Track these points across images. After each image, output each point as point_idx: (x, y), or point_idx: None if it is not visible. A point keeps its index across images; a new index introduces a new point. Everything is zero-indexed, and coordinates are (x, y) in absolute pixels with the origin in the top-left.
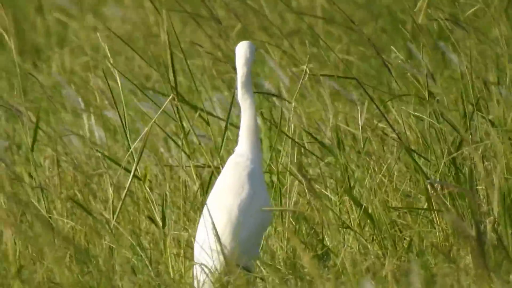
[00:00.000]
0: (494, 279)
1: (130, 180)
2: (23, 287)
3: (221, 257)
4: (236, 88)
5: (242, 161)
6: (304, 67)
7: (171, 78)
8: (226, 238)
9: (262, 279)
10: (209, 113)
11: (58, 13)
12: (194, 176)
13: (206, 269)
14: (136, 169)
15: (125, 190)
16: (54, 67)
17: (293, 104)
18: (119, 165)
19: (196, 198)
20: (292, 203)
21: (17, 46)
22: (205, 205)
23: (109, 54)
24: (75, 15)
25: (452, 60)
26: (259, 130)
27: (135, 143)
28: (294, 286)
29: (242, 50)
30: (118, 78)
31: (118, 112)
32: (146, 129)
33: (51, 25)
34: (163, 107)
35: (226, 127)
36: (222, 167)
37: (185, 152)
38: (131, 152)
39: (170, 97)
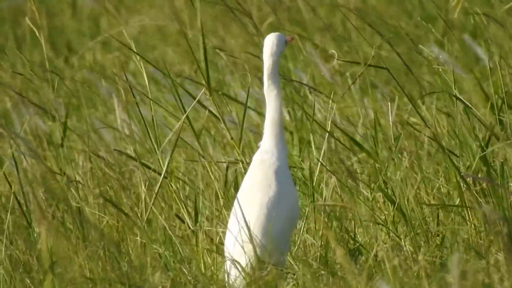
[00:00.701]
0: None
1: (161, 178)
2: (56, 282)
3: (252, 253)
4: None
5: (267, 158)
6: (335, 60)
7: (203, 70)
8: (256, 236)
9: (294, 274)
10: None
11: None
12: (219, 171)
13: (238, 265)
14: (167, 167)
15: (157, 188)
16: (86, 63)
17: (330, 100)
18: (149, 167)
19: (227, 194)
20: (325, 199)
21: (49, 42)
22: (235, 203)
23: (134, 49)
24: (107, 11)
25: (479, 54)
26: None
27: (166, 141)
28: (326, 281)
29: (269, 41)
30: (145, 75)
31: (151, 107)
32: (178, 124)
33: (83, 20)
34: (197, 99)
35: (244, 118)
36: (249, 163)
37: (201, 150)
38: (158, 150)
39: (203, 90)
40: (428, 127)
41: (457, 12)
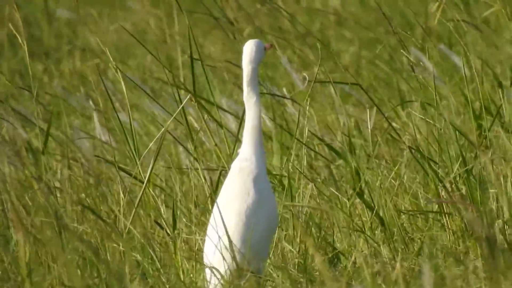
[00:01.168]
0: (503, 282)
1: (144, 186)
2: None
3: (231, 261)
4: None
5: (246, 165)
6: (315, 69)
7: (177, 78)
8: (235, 244)
9: (273, 281)
10: (222, 109)
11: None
12: (203, 179)
13: (216, 273)
14: (149, 176)
15: (138, 198)
16: (65, 71)
17: (307, 107)
18: (129, 174)
19: (206, 201)
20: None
21: (28, 49)
22: (213, 211)
23: (110, 58)
24: (86, 18)
25: (456, 62)
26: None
27: (147, 149)
28: None
29: (248, 48)
30: (122, 81)
31: (129, 116)
32: (159, 133)
33: (61, 28)
34: (181, 107)
35: (239, 130)
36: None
37: (193, 157)
38: (138, 159)
39: (188, 96)
40: (398, 135)
41: (437, 19)
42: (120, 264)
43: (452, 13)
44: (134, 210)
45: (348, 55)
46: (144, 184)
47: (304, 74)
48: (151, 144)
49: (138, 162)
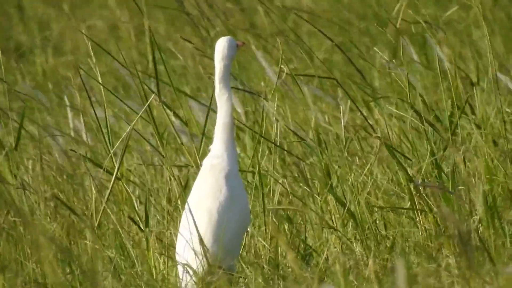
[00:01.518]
0: (476, 279)
1: (113, 180)
2: (7, 287)
3: (203, 259)
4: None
5: (218, 163)
6: (284, 67)
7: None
8: (207, 241)
9: (245, 278)
10: (194, 98)
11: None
12: (171, 176)
13: (189, 270)
14: (117, 170)
15: (108, 190)
16: (37, 67)
17: (275, 103)
18: (100, 166)
19: (178, 198)
20: (275, 204)
21: (0, 45)
22: (186, 208)
23: (92, 53)
24: (59, 15)
25: (438, 58)
26: (234, 127)
27: (118, 143)
28: (277, 285)
29: (220, 45)
30: (99, 77)
31: (105, 112)
32: (129, 129)
33: (33, 24)
34: (145, 106)
35: (205, 125)
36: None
37: (160, 153)
38: (113, 151)
39: (152, 96)
40: (371, 132)
41: (399, 22)
42: (92, 261)
43: (425, 10)
44: (103, 205)
45: (321, 53)
46: (113, 177)
47: (282, 66)
48: (121, 139)
49: (111, 153)
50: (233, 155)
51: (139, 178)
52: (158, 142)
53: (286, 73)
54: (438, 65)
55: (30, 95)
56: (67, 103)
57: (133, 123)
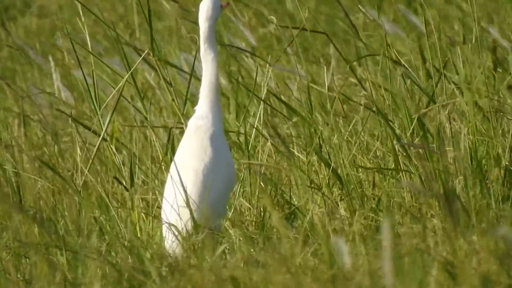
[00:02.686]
0: (460, 239)
1: (99, 141)
2: None
3: (189, 218)
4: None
5: (203, 123)
6: (271, 27)
7: (145, 32)
8: (193, 202)
9: (229, 238)
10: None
11: None
12: (154, 136)
13: (174, 229)
14: (105, 130)
15: (94, 150)
16: (20, 28)
17: (268, 65)
18: (87, 127)
19: (162, 158)
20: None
21: None
22: (171, 169)
23: (81, 12)
24: None
25: (415, 22)
26: (220, 88)
27: (104, 104)
28: (261, 245)
29: (204, 5)
30: (88, 36)
31: (92, 72)
32: (118, 87)
33: None
34: (138, 62)
35: (189, 84)
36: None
37: (143, 115)
38: (99, 111)
39: (146, 51)
40: (363, 87)
41: None
42: (77, 221)
43: None
44: (89, 164)
45: (306, 12)
46: (100, 137)
47: (271, 16)
48: (108, 99)
49: (98, 114)
50: (218, 115)
51: (123, 139)
52: (141, 103)
53: (282, 27)
54: (423, 25)
55: (20, 49)
56: (52, 63)
57: (123, 81)
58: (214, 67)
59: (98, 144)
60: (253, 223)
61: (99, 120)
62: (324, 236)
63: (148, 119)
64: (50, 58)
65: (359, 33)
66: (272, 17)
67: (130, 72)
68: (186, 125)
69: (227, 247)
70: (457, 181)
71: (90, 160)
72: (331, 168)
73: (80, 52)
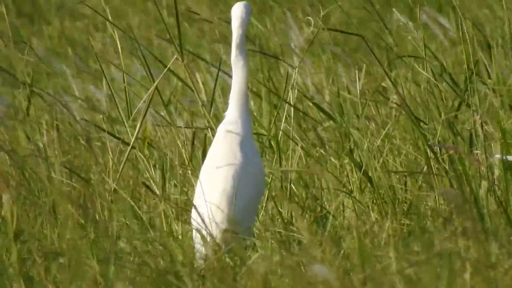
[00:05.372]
0: (492, 243)
1: (131, 144)
2: (22, 250)
3: (220, 225)
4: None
5: (233, 129)
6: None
7: (174, 36)
8: (223, 208)
9: (260, 243)
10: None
11: None
12: (184, 137)
13: (203, 235)
14: (137, 132)
15: (127, 154)
16: (53, 31)
17: (296, 67)
18: (115, 136)
19: (193, 161)
20: (294, 167)
21: (16, 11)
22: (201, 175)
23: (109, 16)
24: None
25: (444, 25)
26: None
27: (138, 106)
28: (292, 250)
29: (238, 11)
30: (117, 39)
31: (123, 74)
32: (149, 91)
33: None
34: (169, 65)
35: (215, 86)
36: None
37: (167, 116)
38: (133, 116)
39: (175, 57)
40: (388, 96)
41: None
42: (108, 225)
43: None
44: (120, 170)
45: (337, 15)
46: (131, 143)
47: (308, 17)
48: (143, 100)
49: (130, 118)
50: (247, 121)
51: (156, 141)
52: (164, 108)
53: (320, 27)
54: (459, 28)
55: (42, 60)
56: (68, 71)
57: (155, 83)
58: (244, 73)
59: (130, 148)
60: (285, 227)
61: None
62: (356, 239)
63: (175, 121)
64: (78, 60)
65: (392, 34)
66: (309, 18)
67: (158, 79)
68: (216, 131)
69: (258, 250)
70: (487, 184)
71: (122, 165)
72: (362, 171)
73: (112, 56)
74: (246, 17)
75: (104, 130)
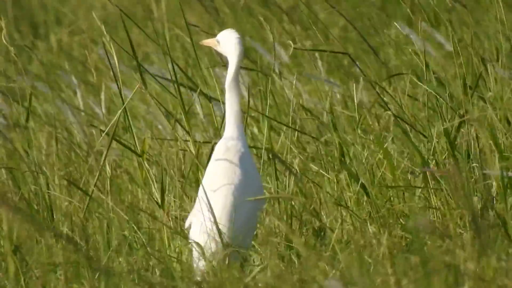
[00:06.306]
0: (490, 256)
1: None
2: (20, 265)
3: (219, 240)
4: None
5: (233, 145)
6: (297, 42)
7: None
8: (223, 224)
9: (259, 256)
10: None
11: None
12: (192, 151)
13: (201, 250)
14: (135, 145)
15: (124, 165)
16: (52, 44)
17: (294, 80)
18: (121, 142)
19: (192, 174)
20: (290, 182)
21: (14, 24)
22: (199, 191)
23: (104, 31)
24: None
25: (439, 40)
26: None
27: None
28: (291, 264)
29: (236, 39)
30: (114, 54)
31: (118, 87)
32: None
33: (48, 2)
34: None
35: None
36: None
37: (185, 129)
38: (130, 129)
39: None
40: (388, 108)
41: None
42: (106, 239)
43: None
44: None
45: (337, 29)
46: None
47: (289, 41)
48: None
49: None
50: (244, 138)
51: (154, 156)
52: (185, 118)
53: (299, 49)
54: (452, 43)
55: (32, 86)
56: (75, 82)
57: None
58: (237, 99)
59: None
60: (285, 240)
61: (131, 134)
62: (353, 253)
63: (184, 134)
64: (73, 78)
65: (378, 55)
66: (290, 41)
67: (168, 84)
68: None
69: (256, 265)
70: (487, 198)
71: (118, 177)
72: (359, 184)
73: (110, 69)
74: (241, 47)
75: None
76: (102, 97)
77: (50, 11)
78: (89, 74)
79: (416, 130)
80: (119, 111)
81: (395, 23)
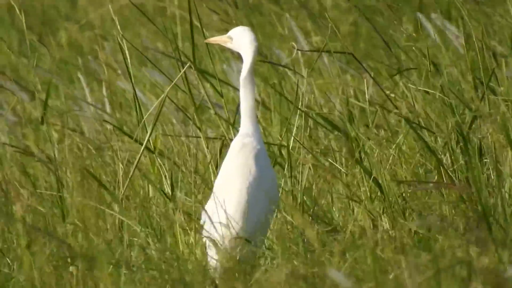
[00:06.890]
0: (501, 252)
1: (141, 151)
2: (33, 260)
3: (232, 236)
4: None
5: (249, 142)
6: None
7: (177, 47)
8: (237, 220)
9: (269, 249)
10: (222, 81)
11: None
12: (205, 148)
13: (214, 244)
14: (148, 141)
15: (136, 162)
16: (62, 41)
17: (305, 76)
18: (131, 137)
19: (206, 171)
20: (305, 177)
21: (25, 20)
22: (214, 188)
23: (118, 27)
24: None
25: (452, 34)
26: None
27: (147, 114)
28: (304, 259)
29: (251, 36)
30: (126, 49)
31: (132, 83)
32: (160, 98)
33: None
34: (180, 74)
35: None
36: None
37: (195, 125)
38: (143, 124)
39: (188, 64)
40: (395, 106)
41: None
42: (118, 234)
43: None
44: (129, 177)
45: (347, 25)
46: (142, 149)
47: (292, 43)
48: (154, 106)
49: (138, 129)
50: (259, 134)
51: (166, 151)
52: (195, 113)
53: (302, 51)
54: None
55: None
56: (82, 78)
57: (167, 90)
58: (253, 94)
59: (140, 153)
60: (297, 236)
61: (145, 128)
62: (367, 248)
63: (194, 130)
64: (82, 77)
65: (391, 49)
66: (293, 43)
67: (173, 83)
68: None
69: (268, 261)
70: (500, 192)
71: (131, 172)
72: (371, 178)
73: (120, 64)
74: (257, 44)
75: (123, 133)
76: (104, 92)
77: (60, 7)
78: (100, 70)
79: (424, 127)
80: (157, 102)
81: (417, 13)
